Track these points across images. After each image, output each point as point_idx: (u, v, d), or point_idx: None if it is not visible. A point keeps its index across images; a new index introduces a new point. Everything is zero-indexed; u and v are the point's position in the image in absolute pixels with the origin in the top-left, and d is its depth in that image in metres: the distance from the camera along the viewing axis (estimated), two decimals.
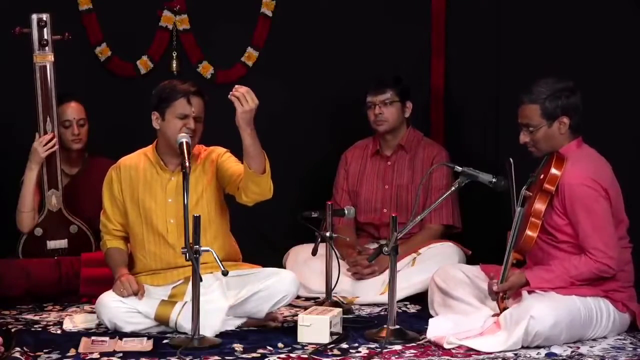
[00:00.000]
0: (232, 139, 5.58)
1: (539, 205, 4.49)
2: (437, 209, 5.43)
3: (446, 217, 5.60)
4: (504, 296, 4.47)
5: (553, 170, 4.49)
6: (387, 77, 5.64)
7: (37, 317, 4.94)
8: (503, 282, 4.46)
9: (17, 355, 4.19)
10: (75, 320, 4.77)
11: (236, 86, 4.48)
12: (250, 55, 6.06)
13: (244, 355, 4.28)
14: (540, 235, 4.52)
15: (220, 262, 4.38)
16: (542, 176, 4.54)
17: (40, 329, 4.71)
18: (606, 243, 4.43)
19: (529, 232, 4.47)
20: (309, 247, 5.23)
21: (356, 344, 4.45)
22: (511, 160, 4.48)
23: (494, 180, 4.56)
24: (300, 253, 5.56)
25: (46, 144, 5.31)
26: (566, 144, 4.57)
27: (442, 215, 5.59)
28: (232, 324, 4.66)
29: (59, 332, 4.67)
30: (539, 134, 4.56)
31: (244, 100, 4.43)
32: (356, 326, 4.71)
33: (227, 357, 4.25)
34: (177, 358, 4.22)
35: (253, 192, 4.57)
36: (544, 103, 4.53)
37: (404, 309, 5.17)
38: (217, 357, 4.24)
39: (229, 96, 4.45)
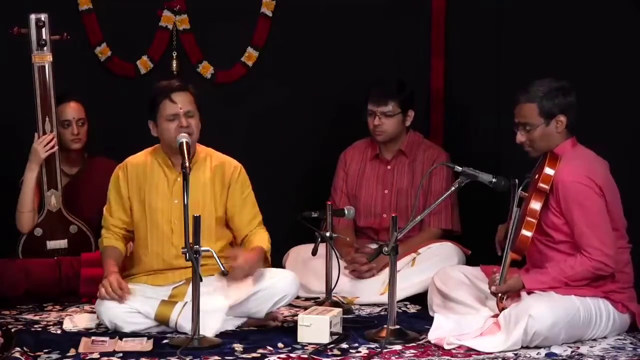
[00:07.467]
0: (231, 138, 5.60)
1: (534, 205, 4.49)
2: (437, 212, 5.43)
3: (445, 221, 5.58)
4: (502, 296, 4.47)
5: (547, 169, 4.49)
6: (390, 84, 5.55)
7: (37, 317, 4.94)
8: (501, 284, 4.46)
9: (17, 355, 4.19)
10: (75, 320, 4.77)
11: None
12: (250, 55, 6.05)
13: (244, 355, 4.28)
14: (538, 237, 4.52)
15: (221, 262, 4.38)
16: (537, 176, 4.54)
17: (40, 329, 4.70)
18: (601, 240, 4.42)
19: (524, 232, 4.47)
20: (309, 247, 5.22)
21: (356, 344, 4.44)
22: (516, 180, 4.49)
23: (494, 180, 4.56)
24: (300, 253, 5.55)
25: (47, 144, 5.31)
26: (561, 143, 4.57)
27: (442, 219, 5.56)
28: (232, 324, 4.66)
29: (59, 332, 4.66)
30: (536, 133, 4.56)
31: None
32: (356, 326, 4.71)
33: (227, 357, 4.25)
34: (177, 358, 4.22)
35: None
36: (541, 102, 4.53)
37: (404, 309, 5.17)
38: (217, 357, 4.24)
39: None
